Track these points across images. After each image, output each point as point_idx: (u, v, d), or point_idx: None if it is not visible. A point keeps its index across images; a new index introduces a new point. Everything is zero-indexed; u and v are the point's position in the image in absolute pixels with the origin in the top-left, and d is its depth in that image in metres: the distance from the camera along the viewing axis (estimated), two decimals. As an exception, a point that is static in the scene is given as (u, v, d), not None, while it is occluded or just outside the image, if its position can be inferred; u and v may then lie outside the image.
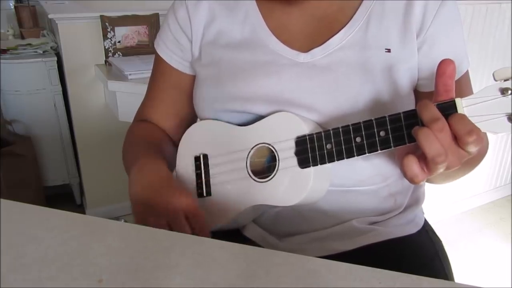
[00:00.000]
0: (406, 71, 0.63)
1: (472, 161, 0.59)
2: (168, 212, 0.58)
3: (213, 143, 0.68)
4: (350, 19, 0.64)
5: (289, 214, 0.68)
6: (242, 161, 0.64)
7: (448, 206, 2.15)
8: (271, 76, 0.64)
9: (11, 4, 2.40)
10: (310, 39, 0.66)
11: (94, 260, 0.47)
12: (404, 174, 0.51)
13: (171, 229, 0.56)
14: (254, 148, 0.63)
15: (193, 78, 0.75)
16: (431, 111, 0.49)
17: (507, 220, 2.15)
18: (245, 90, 0.65)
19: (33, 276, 0.45)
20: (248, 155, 0.63)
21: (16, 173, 1.88)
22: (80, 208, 2.19)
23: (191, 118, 0.79)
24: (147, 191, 0.62)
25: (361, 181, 0.66)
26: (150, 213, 0.59)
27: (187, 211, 0.59)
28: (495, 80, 0.47)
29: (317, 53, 0.64)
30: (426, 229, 0.75)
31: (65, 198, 2.21)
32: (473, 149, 0.49)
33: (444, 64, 0.50)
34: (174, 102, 0.78)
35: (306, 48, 0.65)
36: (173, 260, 0.48)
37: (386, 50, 0.62)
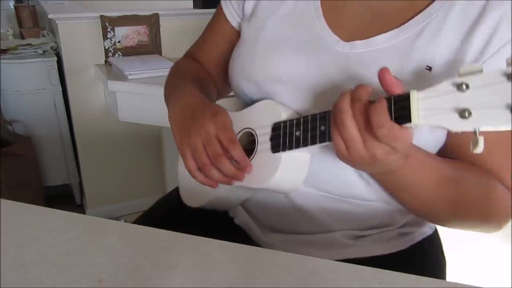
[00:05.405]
0: None
1: (470, 213, 0.59)
2: (201, 134, 0.60)
3: None
4: (406, 22, 0.59)
5: (277, 208, 0.68)
6: None
7: (448, 206, 2.15)
8: (301, 56, 0.63)
9: (11, 4, 2.40)
10: (357, 29, 0.62)
11: (94, 260, 0.47)
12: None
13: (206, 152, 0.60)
14: (241, 132, 0.66)
15: (239, 34, 0.75)
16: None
17: (507, 220, 2.15)
18: (273, 67, 0.65)
19: (33, 276, 0.45)
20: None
21: (16, 173, 1.88)
22: (80, 208, 2.18)
23: None
24: (183, 114, 0.66)
25: (354, 195, 0.64)
26: (186, 136, 0.62)
27: (217, 131, 0.60)
28: (459, 75, 0.44)
29: (358, 46, 0.61)
30: (424, 245, 0.70)
31: (65, 198, 2.21)
32: (385, 140, 0.46)
33: (383, 79, 0.47)
34: (219, 52, 0.80)
35: (349, 37, 0.62)
36: (173, 260, 0.48)
37: (427, 68, 0.57)
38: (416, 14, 0.59)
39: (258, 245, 0.73)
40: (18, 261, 0.47)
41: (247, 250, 0.50)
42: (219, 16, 0.79)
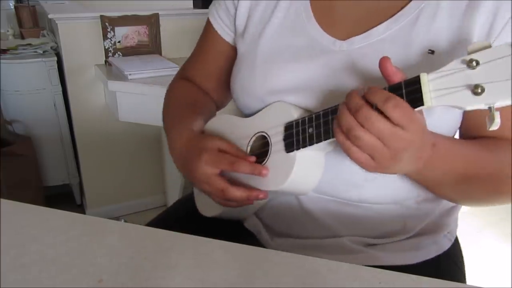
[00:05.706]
0: None
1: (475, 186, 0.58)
2: (203, 179, 0.63)
3: (223, 135, 0.70)
4: (400, 10, 0.60)
5: (285, 211, 0.67)
6: (243, 149, 0.66)
7: (448, 206, 2.15)
8: (301, 63, 0.63)
9: (11, 4, 2.39)
10: (352, 26, 0.62)
11: (94, 260, 0.47)
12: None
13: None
14: (254, 136, 0.66)
15: (235, 49, 0.75)
16: (354, 100, 0.48)
17: (507, 220, 2.15)
18: (274, 80, 0.65)
19: (33, 276, 0.45)
20: (248, 143, 0.66)
21: (16, 173, 1.88)
22: (80, 208, 2.18)
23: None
24: (179, 161, 0.69)
25: (361, 198, 0.63)
26: (197, 183, 0.65)
27: (213, 168, 0.62)
28: (468, 53, 0.44)
29: (356, 42, 0.61)
30: (440, 260, 0.68)
31: (65, 198, 2.21)
32: (394, 114, 0.46)
33: (383, 67, 0.48)
34: (216, 66, 0.80)
35: (345, 35, 0.62)
36: (173, 260, 0.48)
37: (429, 52, 0.57)
38: (410, 1, 0.60)
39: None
40: (18, 261, 0.47)
41: (247, 250, 0.50)
42: (210, 32, 0.77)
